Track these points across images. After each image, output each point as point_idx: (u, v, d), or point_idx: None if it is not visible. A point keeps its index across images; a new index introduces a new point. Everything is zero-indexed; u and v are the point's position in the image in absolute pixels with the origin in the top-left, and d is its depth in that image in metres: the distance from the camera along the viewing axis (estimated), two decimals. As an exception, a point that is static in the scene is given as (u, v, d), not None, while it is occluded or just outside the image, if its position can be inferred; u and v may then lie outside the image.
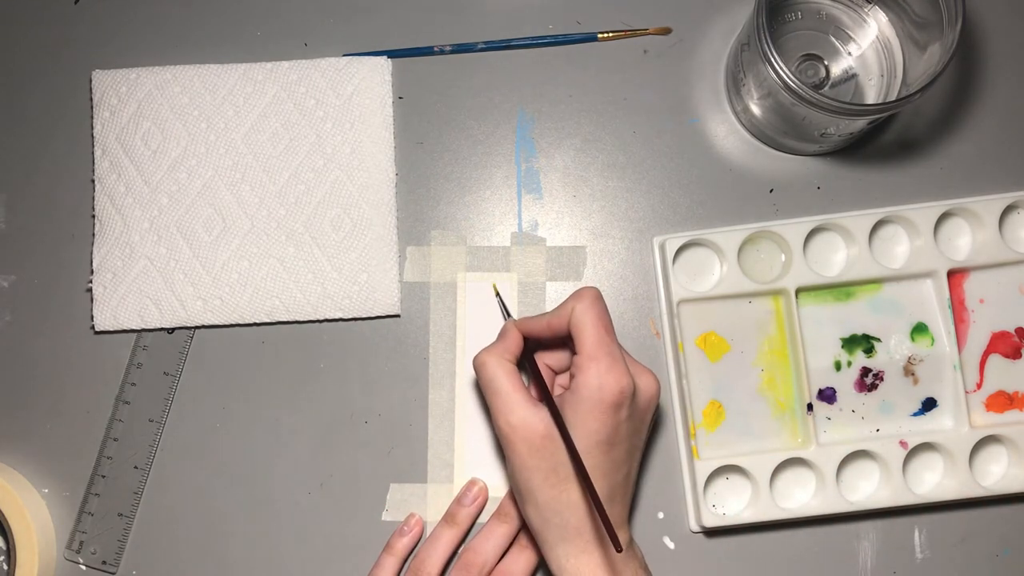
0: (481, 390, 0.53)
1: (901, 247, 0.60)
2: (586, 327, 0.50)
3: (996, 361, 0.60)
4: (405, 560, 0.58)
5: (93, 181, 0.61)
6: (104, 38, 0.63)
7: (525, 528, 0.56)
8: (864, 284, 0.60)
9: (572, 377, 0.51)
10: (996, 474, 0.59)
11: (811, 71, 0.60)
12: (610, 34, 0.62)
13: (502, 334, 0.54)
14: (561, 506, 0.50)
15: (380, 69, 0.62)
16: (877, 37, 0.59)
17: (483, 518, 0.58)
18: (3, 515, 0.57)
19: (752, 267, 0.60)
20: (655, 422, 0.59)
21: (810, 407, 0.58)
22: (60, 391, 0.60)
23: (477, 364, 0.52)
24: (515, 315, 0.60)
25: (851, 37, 0.60)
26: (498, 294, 0.58)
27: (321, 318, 0.60)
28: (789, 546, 0.59)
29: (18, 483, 0.58)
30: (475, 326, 0.60)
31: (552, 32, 0.62)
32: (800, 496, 0.59)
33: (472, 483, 0.58)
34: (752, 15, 0.53)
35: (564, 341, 0.55)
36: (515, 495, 0.53)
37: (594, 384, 0.49)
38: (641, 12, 0.62)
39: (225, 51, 0.62)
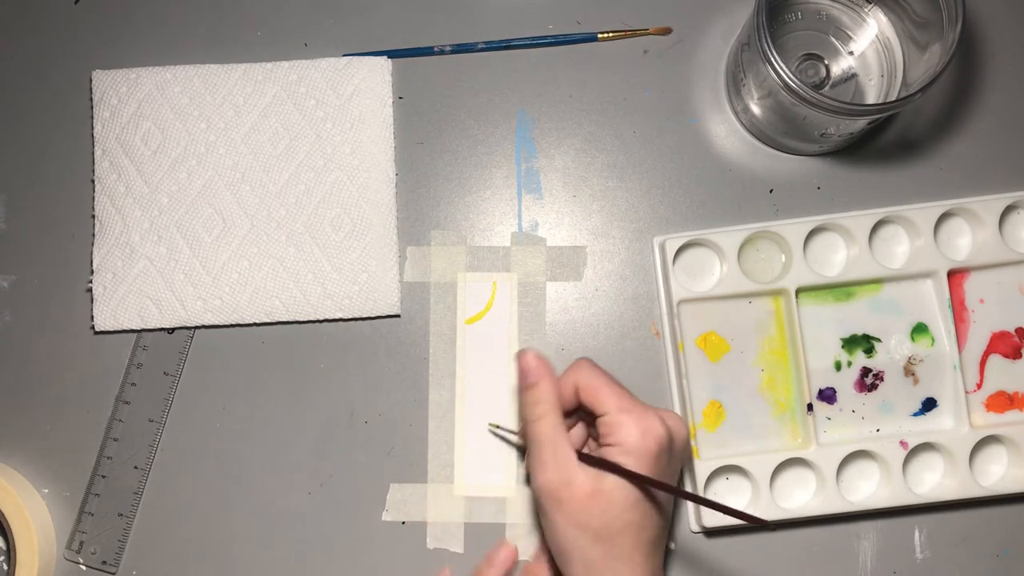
0: (528, 440, 0.51)
1: (901, 247, 0.60)
2: (602, 388, 0.50)
3: (996, 361, 0.60)
4: None
5: (93, 181, 0.61)
6: (104, 38, 0.63)
7: None
8: (864, 284, 0.60)
9: (602, 438, 0.50)
10: (996, 474, 0.59)
11: (811, 71, 0.60)
12: (610, 34, 0.62)
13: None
14: (614, 561, 0.49)
15: (380, 69, 0.62)
16: (877, 37, 0.59)
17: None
18: (3, 515, 0.57)
19: (752, 267, 0.60)
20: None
21: (810, 407, 0.58)
22: (60, 391, 0.60)
23: (539, 415, 0.50)
24: (514, 316, 0.60)
25: (851, 37, 0.60)
26: (499, 427, 0.59)
27: (321, 318, 0.60)
28: (789, 546, 0.59)
29: (18, 483, 0.58)
30: (475, 327, 0.60)
31: (552, 32, 0.62)
32: (800, 496, 0.59)
33: (503, 544, 0.58)
34: (752, 15, 0.53)
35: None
36: (558, 556, 0.51)
37: (635, 434, 0.48)
38: (641, 12, 0.62)
39: (225, 51, 0.62)
